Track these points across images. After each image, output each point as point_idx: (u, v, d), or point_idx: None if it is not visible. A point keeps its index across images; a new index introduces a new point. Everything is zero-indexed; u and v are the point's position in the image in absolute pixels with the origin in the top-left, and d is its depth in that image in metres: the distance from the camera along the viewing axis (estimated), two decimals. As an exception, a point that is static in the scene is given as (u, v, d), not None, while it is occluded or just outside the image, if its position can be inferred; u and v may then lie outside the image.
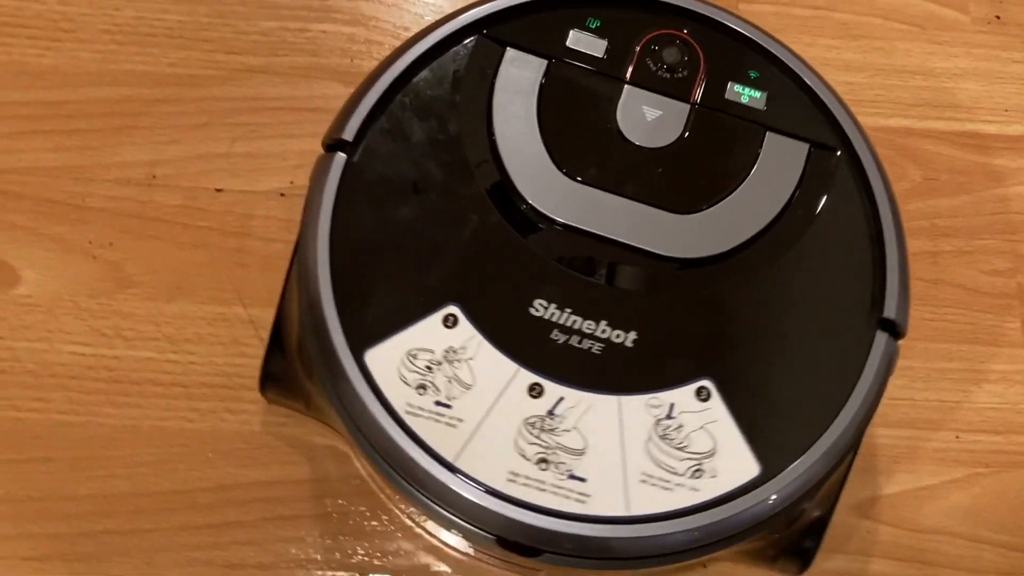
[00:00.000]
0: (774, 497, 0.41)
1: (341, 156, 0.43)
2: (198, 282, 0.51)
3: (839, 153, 0.45)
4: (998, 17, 0.59)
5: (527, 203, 0.43)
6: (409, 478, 0.40)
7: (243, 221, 0.52)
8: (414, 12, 0.55)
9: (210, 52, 0.55)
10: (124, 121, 0.54)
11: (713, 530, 0.41)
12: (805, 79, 0.47)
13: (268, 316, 0.46)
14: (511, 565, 0.48)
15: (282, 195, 0.53)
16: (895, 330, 0.43)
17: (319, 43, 0.56)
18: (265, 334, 0.46)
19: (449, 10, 0.47)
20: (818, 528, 0.45)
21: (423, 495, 0.41)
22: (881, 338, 0.43)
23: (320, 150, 0.44)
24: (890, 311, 0.43)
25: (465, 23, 0.46)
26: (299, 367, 0.44)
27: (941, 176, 0.57)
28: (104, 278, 0.51)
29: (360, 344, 0.41)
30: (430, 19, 0.49)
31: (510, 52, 0.46)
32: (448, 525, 0.42)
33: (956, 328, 0.55)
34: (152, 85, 0.54)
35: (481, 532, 0.41)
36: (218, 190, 0.53)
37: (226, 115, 0.54)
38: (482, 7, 0.46)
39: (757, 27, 0.47)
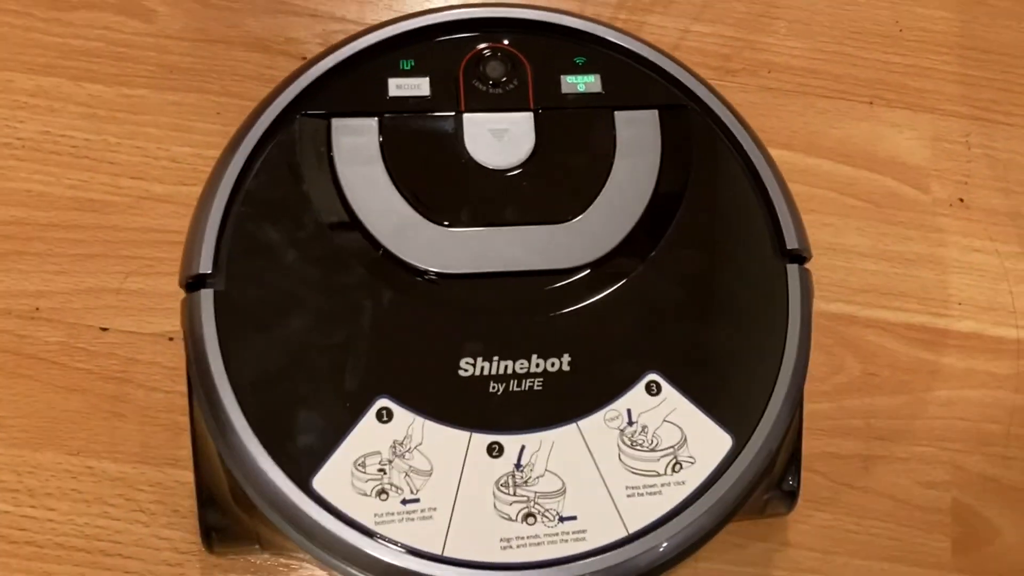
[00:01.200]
0: (756, 457, 0.42)
1: (207, 291, 0.41)
2: (69, 430, 0.49)
3: (688, 108, 0.45)
4: (961, 200, 0.56)
5: (414, 268, 0.42)
6: None
7: (125, 365, 0.50)
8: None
9: (115, 176, 0.53)
10: (13, 246, 0.51)
11: (714, 513, 0.41)
12: (632, 48, 0.46)
13: (138, 474, 0.46)
14: None
15: (170, 339, 0.50)
16: (801, 257, 0.44)
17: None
18: (136, 493, 0.46)
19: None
20: (794, 467, 0.47)
21: None
22: (793, 269, 0.44)
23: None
24: (791, 242, 0.44)
25: (279, 109, 0.44)
26: (240, 513, 0.42)
27: (882, 372, 0.53)
28: (-32, 420, 0.42)
29: (303, 475, 0.39)
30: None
31: (336, 122, 0.44)
32: None
33: (880, 544, 0.51)
34: (48, 208, 0.51)
35: None
36: (103, 329, 0.51)
37: (123, 246, 0.51)
38: (291, 87, 0.44)
39: (565, 12, 0.46)
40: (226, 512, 0.42)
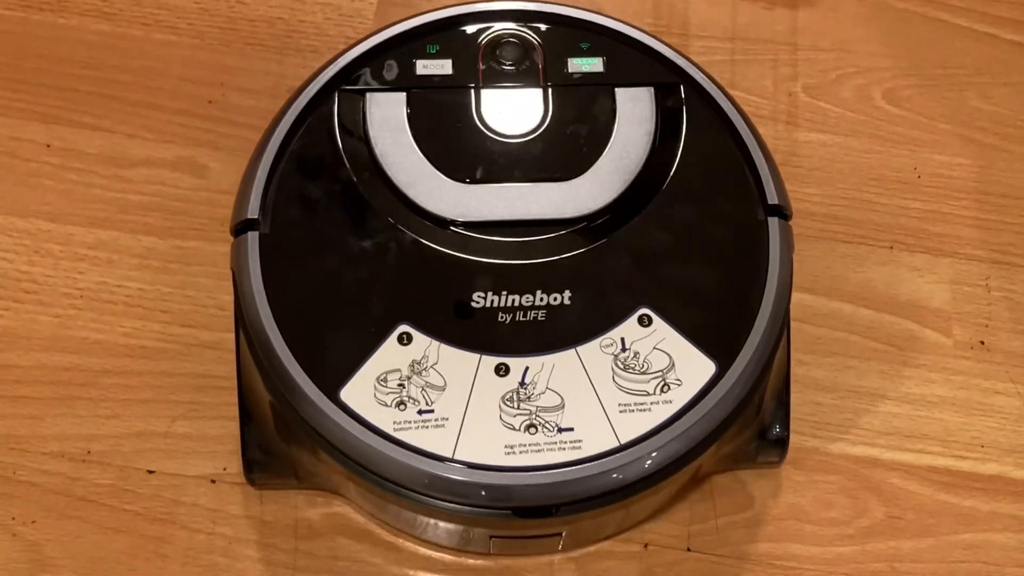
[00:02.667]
0: (738, 382, 0.46)
1: (253, 234, 0.47)
2: (114, 570, 0.51)
3: (680, 86, 0.51)
4: (982, 343, 0.57)
5: (435, 216, 0.48)
6: (417, 487, 0.45)
7: (170, 507, 0.52)
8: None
9: (166, 324, 0.55)
10: (69, 391, 0.54)
11: (699, 429, 0.46)
12: (632, 35, 0.53)
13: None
14: (534, 546, 0.51)
15: (212, 482, 0.52)
16: (783, 213, 0.49)
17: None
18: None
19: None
20: (782, 416, 0.51)
21: (435, 499, 0.45)
22: (774, 222, 0.49)
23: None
24: (772, 199, 0.49)
25: (321, 85, 0.51)
26: (280, 442, 0.48)
27: (907, 515, 0.54)
28: (20, 559, 0.51)
29: (332, 387, 0.45)
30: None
31: (370, 96, 0.50)
32: (466, 522, 0.46)
33: None
34: (102, 355, 0.54)
35: (498, 511, 0.45)
36: (150, 471, 0.53)
37: (171, 391, 0.54)
38: (331, 67, 0.51)
39: (573, 4, 0.53)
40: (269, 443, 0.48)
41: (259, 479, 0.50)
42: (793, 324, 0.54)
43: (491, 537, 0.47)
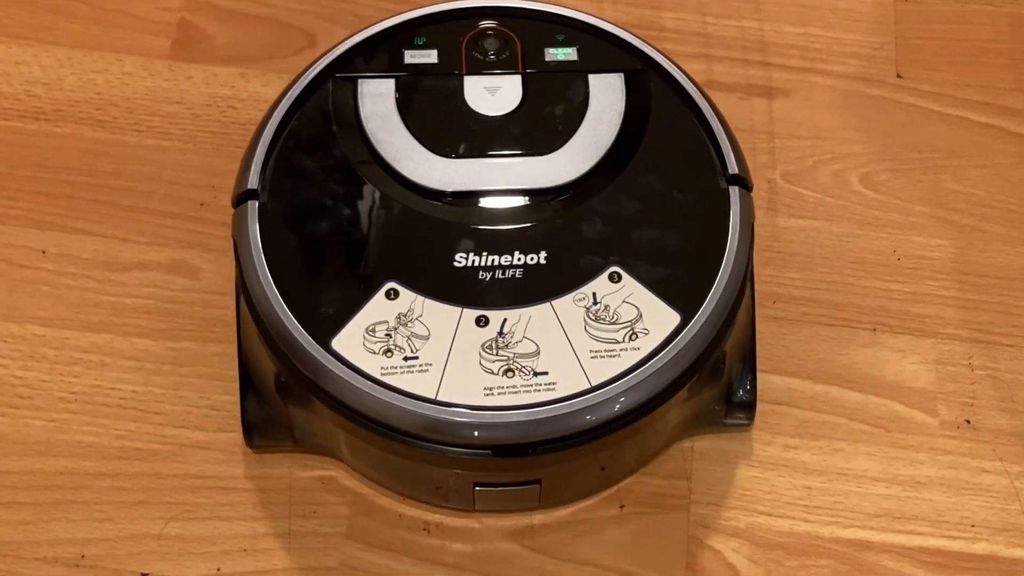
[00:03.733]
0: (699, 332, 0.51)
1: (253, 203, 0.54)
2: None
3: (648, 72, 0.58)
4: (968, 422, 0.60)
5: (420, 187, 0.54)
6: (400, 428, 0.50)
7: None
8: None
9: (159, 426, 0.58)
10: (64, 495, 0.56)
11: (664, 374, 0.51)
12: (603, 28, 0.59)
13: None
14: (515, 499, 0.55)
15: None
16: (744, 183, 0.55)
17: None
18: None
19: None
20: (750, 379, 0.56)
21: (418, 440, 0.50)
22: (734, 191, 0.55)
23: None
24: (733, 168, 0.55)
25: (317, 72, 0.57)
26: (278, 404, 0.53)
27: None
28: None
29: (325, 338, 0.50)
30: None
31: (362, 83, 0.57)
32: (449, 464, 0.51)
33: None
34: (97, 458, 0.57)
35: (478, 451, 0.50)
36: (144, 574, 0.55)
37: (164, 493, 0.57)
38: (325, 57, 0.58)
39: (548, 2, 0.60)
40: (267, 404, 0.54)
41: (258, 442, 0.55)
42: (780, 408, 0.60)
43: (475, 487, 0.53)
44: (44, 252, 0.63)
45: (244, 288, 0.52)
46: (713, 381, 0.54)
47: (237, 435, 0.56)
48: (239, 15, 0.72)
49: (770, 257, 0.65)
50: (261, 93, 0.68)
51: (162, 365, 0.60)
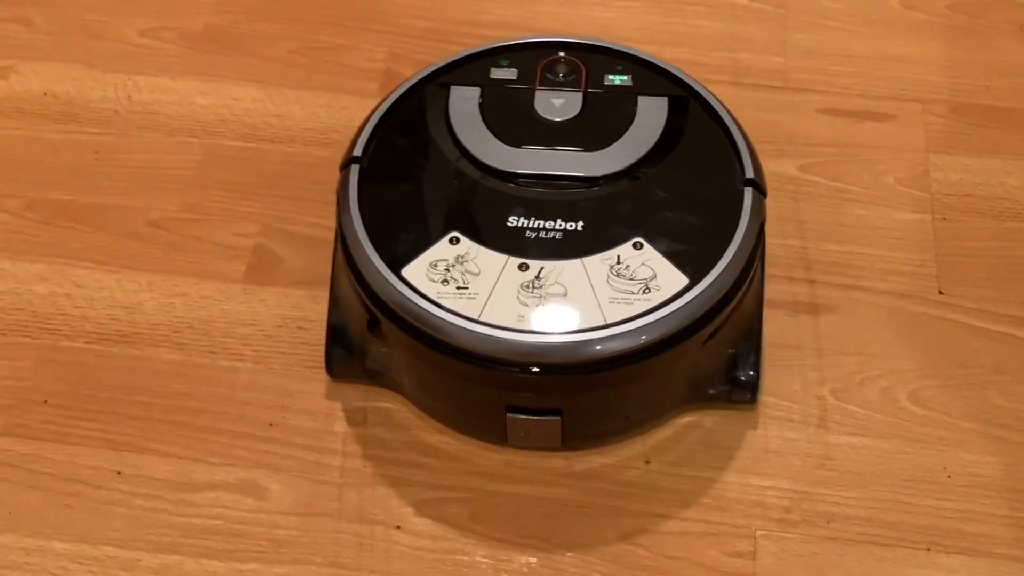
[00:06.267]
0: (702, 293, 0.63)
1: (355, 166, 0.71)
2: None
3: (688, 98, 0.76)
4: None
5: (486, 165, 0.70)
6: (448, 342, 0.62)
7: None
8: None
9: None
10: None
11: (669, 321, 0.62)
12: (657, 64, 0.76)
13: None
14: (540, 431, 0.64)
15: None
16: (759, 187, 0.70)
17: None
18: None
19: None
20: (753, 360, 0.67)
21: (461, 354, 0.62)
22: (748, 191, 0.69)
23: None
24: (750, 174, 0.70)
25: (419, 79, 0.76)
26: (355, 338, 0.68)
27: None
28: None
29: (397, 267, 0.66)
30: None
31: (454, 89, 0.76)
32: (481, 379, 0.63)
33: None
34: None
35: (508, 368, 0.62)
36: None
37: None
38: (426, 69, 0.76)
39: (613, 43, 0.77)
40: (348, 341, 0.69)
41: (337, 371, 0.72)
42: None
43: (506, 413, 0.66)
44: (119, 473, 0.72)
45: (340, 232, 0.70)
46: (715, 340, 0.67)
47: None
48: (309, 240, 0.76)
49: (823, 476, 0.67)
50: None
51: (228, 586, 0.65)
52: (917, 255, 0.78)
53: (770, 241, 0.80)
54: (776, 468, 0.70)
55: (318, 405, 0.72)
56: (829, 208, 0.81)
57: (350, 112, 0.83)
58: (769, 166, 0.77)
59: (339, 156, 0.73)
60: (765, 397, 0.71)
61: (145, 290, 0.77)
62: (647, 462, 0.69)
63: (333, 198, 0.74)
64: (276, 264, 0.79)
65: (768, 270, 0.79)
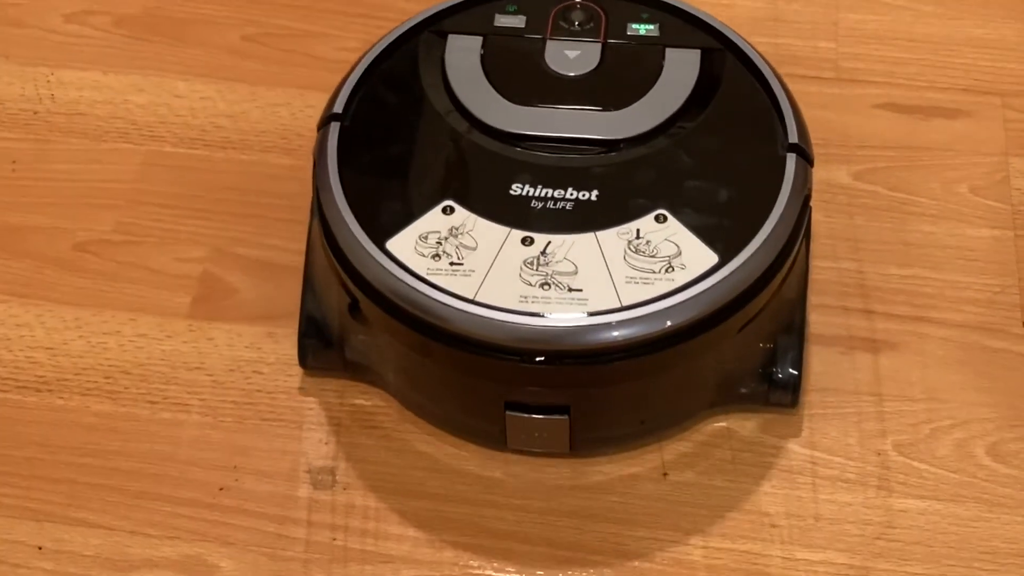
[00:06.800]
0: (734, 274, 0.63)
1: (335, 124, 0.71)
2: None
3: (724, 51, 0.75)
4: None
5: (486, 125, 0.71)
6: (438, 325, 0.63)
7: None
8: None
9: None
10: None
11: (692, 306, 0.62)
12: (688, 11, 0.76)
13: None
14: (545, 430, 0.65)
15: None
16: (804, 154, 0.70)
17: None
18: None
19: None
20: (793, 356, 0.68)
21: (453, 340, 0.63)
22: (791, 158, 0.69)
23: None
24: (794, 138, 0.70)
25: (412, 24, 0.76)
26: (333, 325, 0.70)
27: None
28: None
29: (380, 238, 0.66)
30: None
31: (452, 38, 0.75)
32: (477, 369, 0.63)
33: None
34: None
35: (507, 356, 0.62)
36: None
37: None
38: (422, 14, 0.77)
39: None
40: (321, 338, 0.70)
41: (311, 362, 0.73)
42: None
43: (506, 410, 0.66)
44: (41, 548, 0.69)
45: (317, 200, 0.70)
46: (748, 329, 0.67)
47: None
48: (266, 266, 0.76)
49: (884, 547, 0.69)
50: (291, 355, 0.71)
51: None
52: (997, 280, 0.76)
53: (820, 264, 0.79)
54: (828, 539, 0.67)
55: (277, 465, 0.70)
56: (890, 224, 0.79)
57: (317, 112, 0.77)
58: (818, 174, 0.75)
59: (303, 165, 0.73)
60: (815, 453, 0.68)
61: (71, 328, 0.75)
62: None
63: (296, 216, 0.74)
64: (227, 295, 0.77)
65: (818, 299, 0.77)
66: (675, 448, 0.70)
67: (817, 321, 0.77)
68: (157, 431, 0.73)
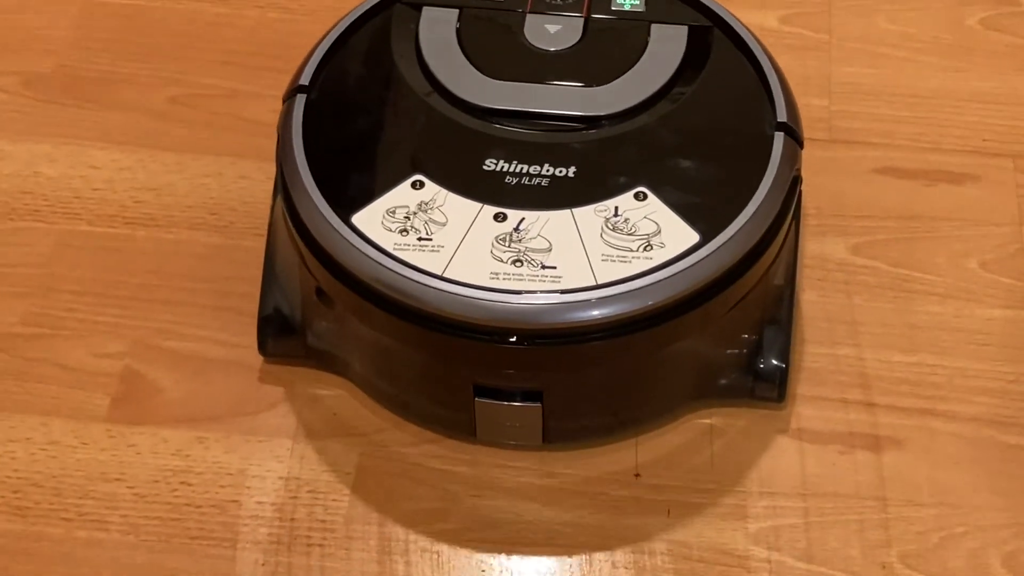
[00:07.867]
0: (716, 253, 0.67)
1: (301, 96, 0.75)
2: None
3: (712, 28, 0.76)
4: None
5: (459, 99, 0.74)
6: (405, 303, 0.66)
7: None
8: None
9: None
10: None
11: (670, 285, 0.65)
12: None
13: None
14: (516, 420, 0.69)
15: None
16: (793, 133, 0.72)
17: None
18: None
19: None
20: (780, 346, 0.72)
21: (421, 309, 0.66)
22: (779, 137, 0.72)
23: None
24: (782, 117, 0.73)
25: None
26: (295, 310, 0.73)
27: None
28: None
29: (346, 213, 0.69)
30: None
31: (427, 9, 0.79)
32: (445, 349, 0.67)
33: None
34: None
35: (477, 336, 0.65)
36: None
37: None
38: None
39: None
40: (282, 324, 0.74)
41: (271, 349, 0.76)
42: None
43: (475, 395, 0.69)
44: None
45: (280, 174, 0.72)
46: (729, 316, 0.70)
47: None
48: (196, 360, 0.75)
49: None
50: (223, 463, 0.70)
51: None
52: (1011, 367, 0.75)
53: (816, 351, 0.77)
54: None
55: (209, 590, 0.73)
56: (892, 304, 0.78)
57: (251, 183, 0.80)
58: (812, 248, 0.77)
59: (235, 244, 0.75)
60: (812, 567, 0.66)
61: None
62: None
63: (229, 303, 0.76)
64: (151, 395, 0.75)
65: (814, 390, 0.76)
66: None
67: (813, 416, 0.75)
68: (71, 552, 0.69)
